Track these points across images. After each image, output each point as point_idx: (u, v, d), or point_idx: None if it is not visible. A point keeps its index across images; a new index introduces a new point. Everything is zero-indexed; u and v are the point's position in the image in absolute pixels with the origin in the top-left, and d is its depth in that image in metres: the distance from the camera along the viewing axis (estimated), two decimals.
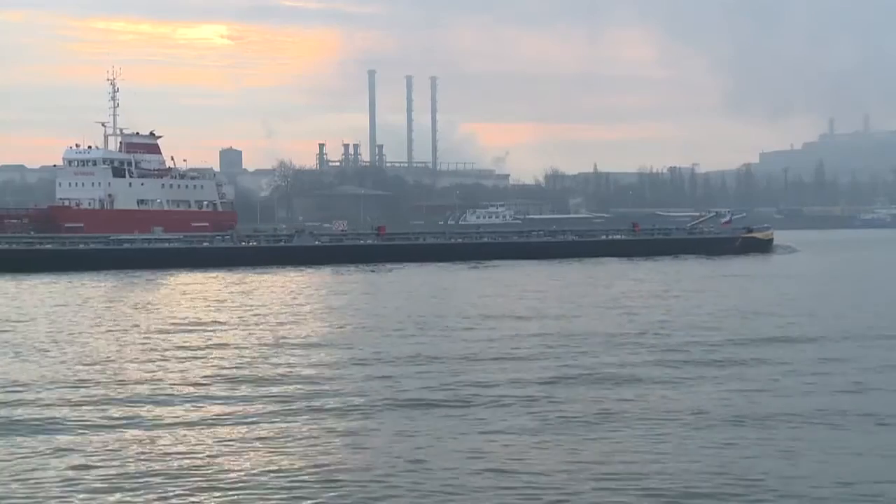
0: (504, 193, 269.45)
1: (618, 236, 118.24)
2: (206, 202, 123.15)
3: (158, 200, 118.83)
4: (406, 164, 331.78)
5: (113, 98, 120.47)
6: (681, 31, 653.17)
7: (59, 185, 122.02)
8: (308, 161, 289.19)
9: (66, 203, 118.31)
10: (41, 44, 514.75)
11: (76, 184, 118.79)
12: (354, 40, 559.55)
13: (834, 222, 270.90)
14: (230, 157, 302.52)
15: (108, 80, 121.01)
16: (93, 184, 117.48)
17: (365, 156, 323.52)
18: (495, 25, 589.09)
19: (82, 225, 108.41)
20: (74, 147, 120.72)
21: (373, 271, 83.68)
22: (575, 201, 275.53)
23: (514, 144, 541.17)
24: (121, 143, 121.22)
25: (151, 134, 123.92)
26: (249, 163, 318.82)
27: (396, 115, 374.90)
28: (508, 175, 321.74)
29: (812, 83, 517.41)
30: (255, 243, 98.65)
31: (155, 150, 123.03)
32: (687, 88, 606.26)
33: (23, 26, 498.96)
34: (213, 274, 78.04)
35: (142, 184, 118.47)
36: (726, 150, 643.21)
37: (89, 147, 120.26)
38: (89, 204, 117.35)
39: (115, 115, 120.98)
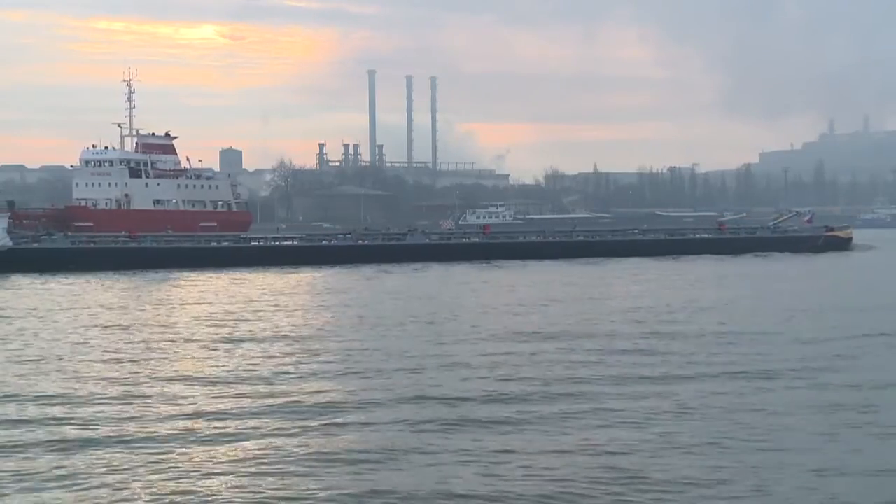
0: (504, 193, 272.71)
1: (705, 235, 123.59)
2: (220, 202, 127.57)
3: (174, 200, 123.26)
4: (406, 164, 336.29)
5: (129, 99, 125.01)
6: (680, 31, 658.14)
7: (76, 185, 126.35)
8: (308, 161, 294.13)
9: (83, 203, 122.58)
10: (42, 44, 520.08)
11: (93, 184, 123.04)
12: (354, 40, 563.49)
13: (834, 222, 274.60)
14: (230, 156, 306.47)
15: (125, 80, 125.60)
16: (109, 184, 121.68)
17: (365, 156, 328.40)
18: (495, 26, 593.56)
19: (92, 224, 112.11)
20: (91, 148, 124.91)
21: (498, 267, 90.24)
22: (570, 199, 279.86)
23: (513, 144, 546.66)
24: (136, 143, 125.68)
25: (167, 135, 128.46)
26: (249, 162, 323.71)
27: (396, 115, 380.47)
28: (508, 175, 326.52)
29: (812, 83, 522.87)
30: (371, 242, 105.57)
31: (170, 150, 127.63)
32: (687, 88, 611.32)
33: (24, 26, 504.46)
34: (343, 270, 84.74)
35: (158, 184, 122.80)
36: (726, 150, 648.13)
37: (106, 148, 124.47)
38: (106, 204, 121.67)
39: (131, 116, 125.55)
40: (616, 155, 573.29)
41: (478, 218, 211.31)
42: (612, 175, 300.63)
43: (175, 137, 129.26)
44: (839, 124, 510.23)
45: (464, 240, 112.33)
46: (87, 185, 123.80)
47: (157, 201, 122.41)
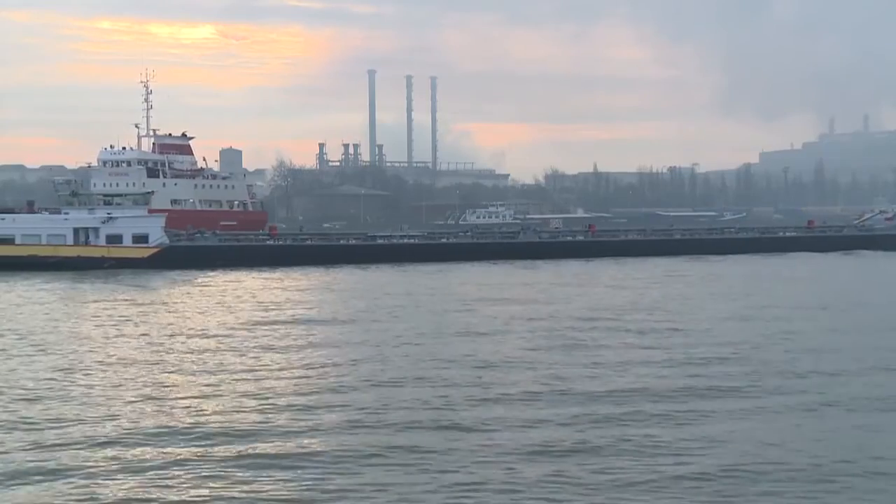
0: (504, 193, 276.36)
1: (792, 233, 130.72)
2: (237, 202, 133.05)
3: (191, 200, 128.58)
4: (406, 164, 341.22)
5: (146, 100, 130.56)
6: (679, 31, 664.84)
7: (94, 185, 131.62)
8: (308, 161, 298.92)
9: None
10: (45, 44, 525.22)
11: (111, 184, 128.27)
12: (354, 40, 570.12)
13: (834, 222, 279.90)
14: (230, 156, 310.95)
15: (141, 81, 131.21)
16: (127, 184, 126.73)
17: (365, 156, 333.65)
18: (494, 26, 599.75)
19: None
20: (109, 148, 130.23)
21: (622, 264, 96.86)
22: (564, 197, 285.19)
23: (513, 144, 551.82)
24: (153, 143, 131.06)
25: (183, 135, 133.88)
26: (249, 162, 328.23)
27: (396, 114, 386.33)
28: (508, 175, 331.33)
29: (811, 82, 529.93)
30: (489, 240, 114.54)
31: (187, 150, 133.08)
32: (687, 89, 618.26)
33: (27, 26, 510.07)
34: (476, 266, 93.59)
35: (175, 184, 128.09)
36: (726, 150, 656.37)
37: (124, 148, 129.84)
38: None
39: (147, 117, 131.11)
40: (616, 155, 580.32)
41: (478, 218, 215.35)
42: (612, 175, 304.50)
43: (192, 138, 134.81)
44: (839, 124, 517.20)
45: (569, 238, 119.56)
46: (105, 185, 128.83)
47: (174, 201, 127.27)
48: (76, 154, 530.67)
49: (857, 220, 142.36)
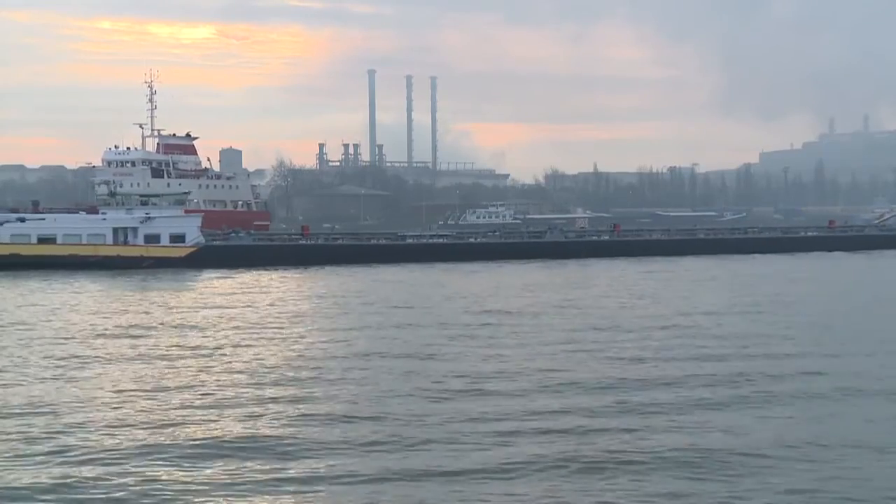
0: (504, 193, 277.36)
1: (814, 233, 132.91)
2: (240, 202, 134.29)
3: (196, 200, 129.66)
4: (406, 164, 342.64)
5: (150, 100, 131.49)
6: (679, 31, 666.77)
7: (98, 185, 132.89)
8: (308, 161, 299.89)
9: None
10: (46, 44, 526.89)
11: (115, 184, 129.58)
12: (354, 40, 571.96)
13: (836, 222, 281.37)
14: (230, 156, 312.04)
15: (146, 82, 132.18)
16: (132, 184, 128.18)
17: (365, 156, 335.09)
18: (494, 26, 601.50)
19: None
20: (113, 148, 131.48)
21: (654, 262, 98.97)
22: (564, 197, 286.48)
23: (513, 144, 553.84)
24: (158, 144, 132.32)
25: (188, 135, 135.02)
26: (249, 162, 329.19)
27: (396, 114, 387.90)
28: (508, 175, 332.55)
29: (812, 82, 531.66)
30: (516, 240, 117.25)
31: (191, 150, 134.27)
32: (687, 88, 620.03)
33: (27, 26, 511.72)
34: (505, 265, 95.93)
35: (179, 184, 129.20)
36: (726, 150, 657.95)
37: (128, 148, 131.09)
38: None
39: (152, 117, 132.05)
40: (616, 155, 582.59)
41: (478, 218, 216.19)
42: (612, 175, 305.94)
43: (196, 138, 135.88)
44: (839, 124, 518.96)
45: (594, 237, 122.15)
46: (109, 184, 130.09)
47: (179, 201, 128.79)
48: (76, 154, 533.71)
49: (877, 220, 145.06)
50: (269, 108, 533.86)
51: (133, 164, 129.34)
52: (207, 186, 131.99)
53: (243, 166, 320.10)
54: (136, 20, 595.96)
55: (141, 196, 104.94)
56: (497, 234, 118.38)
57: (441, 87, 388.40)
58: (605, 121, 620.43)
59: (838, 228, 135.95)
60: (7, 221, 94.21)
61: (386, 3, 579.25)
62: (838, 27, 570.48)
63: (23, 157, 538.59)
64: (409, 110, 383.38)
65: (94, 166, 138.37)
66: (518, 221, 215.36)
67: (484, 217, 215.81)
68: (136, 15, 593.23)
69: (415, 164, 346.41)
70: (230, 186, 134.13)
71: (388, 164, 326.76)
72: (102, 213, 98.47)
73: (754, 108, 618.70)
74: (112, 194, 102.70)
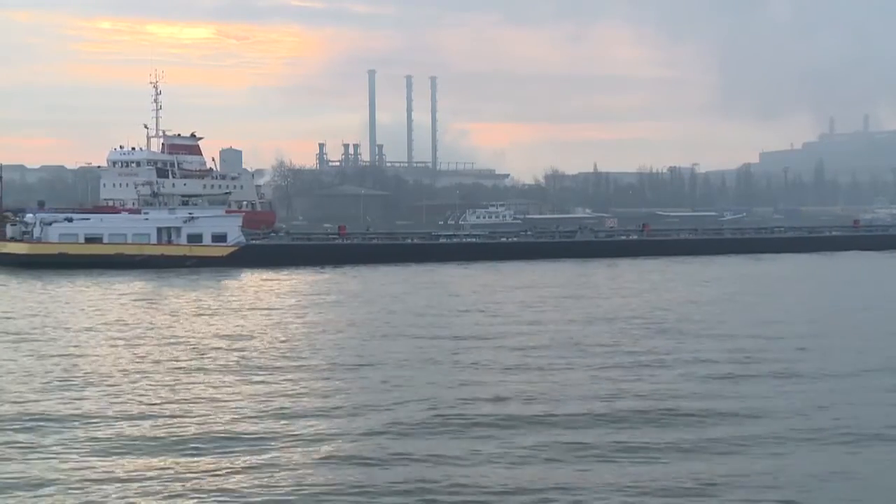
0: (504, 193, 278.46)
1: (838, 233, 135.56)
2: (245, 202, 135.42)
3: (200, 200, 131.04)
4: (406, 164, 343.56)
5: (155, 100, 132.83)
6: (678, 31, 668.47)
7: (104, 185, 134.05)
8: (308, 161, 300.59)
9: (110, 203, 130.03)
10: (47, 44, 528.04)
11: (120, 184, 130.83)
12: (354, 40, 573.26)
13: (833, 222, 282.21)
14: (230, 156, 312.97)
15: (151, 82, 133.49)
16: (136, 185, 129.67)
17: (365, 156, 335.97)
18: (494, 26, 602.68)
19: None
20: (119, 148, 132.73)
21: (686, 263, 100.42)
22: (564, 197, 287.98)
23: (513, 144, 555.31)
24: (162, 144, 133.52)
25: (192, 135, 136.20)
26: (249, 162, 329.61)
27: (396, 114, 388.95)
28: (508, 175, 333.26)
29: (812, 82, 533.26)
30: (547, 239, 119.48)
31: (196, 150, 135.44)
32: (686, 89, 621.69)
33: (28, 26, 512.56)
34: (542, 264, 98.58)
35: (184, 184, 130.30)
36: (726, 150, 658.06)
37: (133, 148, 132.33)
38: (133, 204, 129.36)
39: (157, 117, 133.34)
40: (616, 155, 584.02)
41: (478, 218, 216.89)
42: (612, 175, 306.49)
43: (200, 138, 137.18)
44: (839, 124, 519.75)
45: (623, 237, 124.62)
46: (114, 185, 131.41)
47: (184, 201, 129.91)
48: (76, 154, 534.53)
49: None
50: (269, 108, 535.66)
51: (138, 164, 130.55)
52: (212, 186, 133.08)
53: (243, 166, 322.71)
54: (136, 20, 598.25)
55: (182, 196, 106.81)
56: (529, 233, 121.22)
57: (441, 86, 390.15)
58: (605, 121, 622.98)
59: (862, 228, 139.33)
60: (55, 221, 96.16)
61: (385, 3, 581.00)
62: (838, 27, 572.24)
63: (23, 157, 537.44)
64: (409, 110, 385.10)
65: (98, 167, 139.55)
66: (518, 221, 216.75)
67: (484, 217, 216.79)
68: (136, 15, 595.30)
69: (415, 164, 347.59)
70: (234, 186, 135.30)
71: (388, 164, 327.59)
72: (145, 213, 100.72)
73: (754, 108, 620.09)
74: (154, 194, 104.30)
